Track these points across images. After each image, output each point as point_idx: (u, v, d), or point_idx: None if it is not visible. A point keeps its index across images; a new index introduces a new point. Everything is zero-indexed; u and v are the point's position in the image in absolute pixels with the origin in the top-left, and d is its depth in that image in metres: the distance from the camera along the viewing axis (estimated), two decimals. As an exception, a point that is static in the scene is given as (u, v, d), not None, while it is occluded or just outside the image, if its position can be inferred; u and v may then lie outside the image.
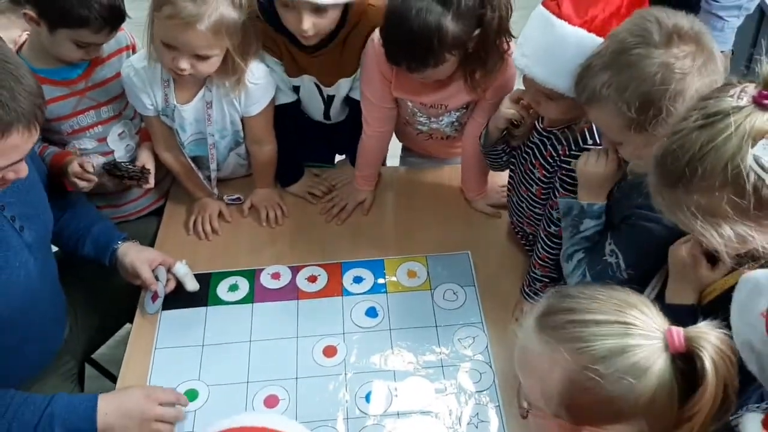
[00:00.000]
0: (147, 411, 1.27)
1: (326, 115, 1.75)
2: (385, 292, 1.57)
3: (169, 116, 1.58)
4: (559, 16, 1.18)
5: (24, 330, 1.39)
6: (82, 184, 1.52)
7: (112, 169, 1.59)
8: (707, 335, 0.77)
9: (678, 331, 0.78)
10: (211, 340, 1.49)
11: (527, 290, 1.48)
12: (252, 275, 1.61)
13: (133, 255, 1.50)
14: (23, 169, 1.16)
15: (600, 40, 1.14)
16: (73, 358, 1.59)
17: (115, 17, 1.43)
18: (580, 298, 0.83)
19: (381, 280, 1.59)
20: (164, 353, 1.47)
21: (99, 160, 1.62)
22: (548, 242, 1.41)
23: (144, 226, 1.76)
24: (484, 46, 1.37)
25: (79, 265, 1.57)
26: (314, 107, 1.73)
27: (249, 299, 1.56)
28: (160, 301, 1.51)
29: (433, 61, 1.35)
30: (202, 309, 1.54)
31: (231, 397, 1.38)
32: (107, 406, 1.27)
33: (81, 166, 1.51)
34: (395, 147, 1.83)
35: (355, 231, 1.70)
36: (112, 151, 1.65)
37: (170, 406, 1.31)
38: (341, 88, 1.65)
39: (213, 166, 1.69)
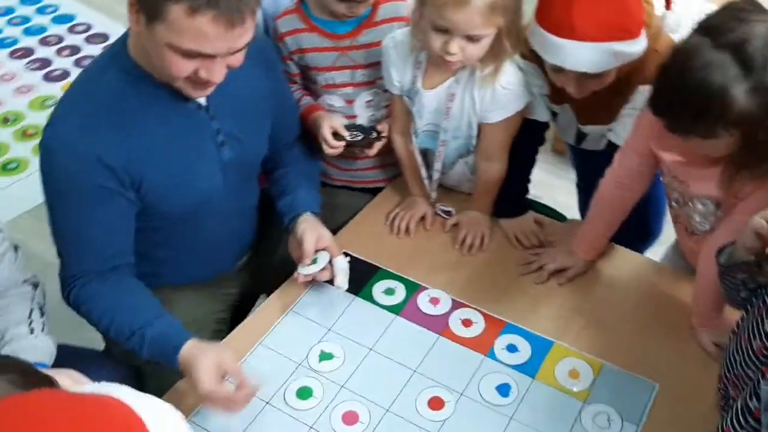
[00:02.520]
0: (209, 389, 1.19)
1: (578, 141, 1.56)
2: (533, 376, 1.31)
3: (411, 98, 1.52)
4: None
5: (196, 237, 1.45)
6: (327, 150, 1.55)
7: (351, 130, 1.57)
8: None
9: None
10: (339, 329, 1.41)
11: None
12: (413, 289, 1.48)
13: (308, 226, 1.46)
14: (216, 72, 1.16)
15: None
16: (232, 295, 1.63)
17: None
18: None
19: (536, 362, 1.34)
20: (293, 320, 1.43)
21: (342, 121, 1.62)
22: (740, 419, 1.03)
23: (354, 199, 1.73)
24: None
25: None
26: (567, 134, 1.54)
27: (397, 310, 1.44)
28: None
29: (702, 130, 1.08)
30: (350, 296, 1.46)
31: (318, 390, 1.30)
32: (187, 352, 1.23)
33: (334, 133, 1.53)
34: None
35: (539, 296, 1.46)
36: (356, 116, 1.64)
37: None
38: (597, 131, 1.43)
39: (437, 165, 1.58)
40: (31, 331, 1.25)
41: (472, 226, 1.58)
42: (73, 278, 1.31)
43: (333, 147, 1.54)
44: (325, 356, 1.36)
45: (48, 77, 3.34)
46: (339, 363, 1.35)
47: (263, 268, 1.66)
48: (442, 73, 1.47)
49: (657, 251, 1.73)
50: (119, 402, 0.60)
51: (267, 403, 1.28)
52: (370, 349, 1.37)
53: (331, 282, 1.44)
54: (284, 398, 1.29)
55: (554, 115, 1.56)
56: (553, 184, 2.65)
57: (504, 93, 1.44)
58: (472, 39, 1.34)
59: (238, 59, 1.21)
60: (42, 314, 1.31)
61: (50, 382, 0.81)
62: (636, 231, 1.51)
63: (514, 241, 1.57)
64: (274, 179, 1.57)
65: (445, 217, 1.64)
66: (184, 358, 1.22)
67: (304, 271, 1.43)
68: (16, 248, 1.33)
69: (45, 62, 3.43)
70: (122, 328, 1.28)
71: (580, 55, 1.26)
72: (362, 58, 1.58)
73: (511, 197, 1.60)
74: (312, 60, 1.59)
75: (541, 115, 1.52)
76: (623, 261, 1.53)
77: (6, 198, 2.76)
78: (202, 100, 1.31)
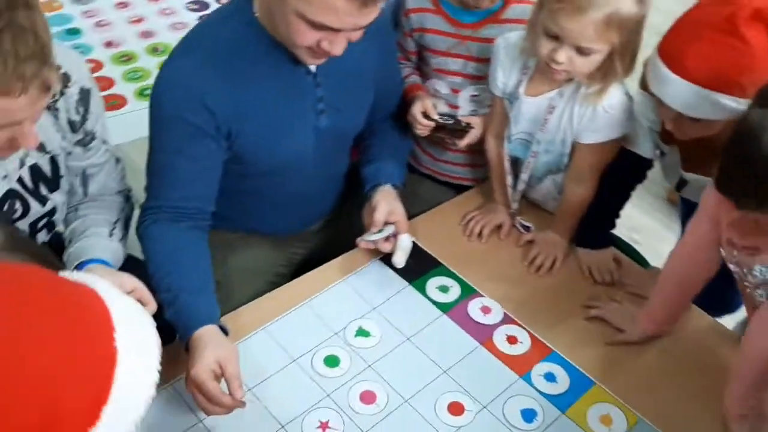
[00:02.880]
0: (197, 376, 1.16)
1: (679, 187, 1.49)
2: (563, 411, 1.26)
3: (511, 103, 1.48)
4: None
5: (278, 194, 1.49)
6: (416, 128, 1.55)
7: (445, 118, 1.56)
8: None
9: None
10: (383, 310, 1.40)
11: None
12: (468, 293, 1.45)
13: (384, 197, 1.46)
14: (338, 45, 1.18)
15: None
16: (299, 255, 1.66)
17: None
18: None
19: (571, 398, 1.28)
20: (343, 288, 1.44)
21: (442, 108, 1.61)
22: None
23: (436, 192, 1.73)
24: None
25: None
26: (670, 177, 1.48)
27: (445, 308, 1.42)
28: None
29: None
30: (404, 283, 1.46)
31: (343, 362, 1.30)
32: (203, 334, 1.22)
33: (424, 112, 1.53)
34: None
35: (593, 332, 1.39)
36: (458, 107, 1.63)
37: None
38: (699, 180, 1.36)
39: (524, 176, 1.54)
40: (110, 235, 1.31)
41: (546, 247, 1.53)
42: (150, 210, 1.35)
43: (421, 125, 1.53)
44: (362, 332, 1.36)
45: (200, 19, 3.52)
46: (373, 342, 1.35)
47: (336, 235, 1.67)
48: (547, 83, 1.43)
49: (736, 316, 1.61)
50: (94, 293, 0.62)
51: (294, 360, 1.30)
52: (408, 339, 1.36)
53: (390, 257, 1.44)
54: (311, 361, 1.30)
55: (663, 154, 1.48)
56: (658, 232, 2.53)
57: (604, 116, 1.38)
58: (581, 51, 1.30)
59: (359, 35, 1.23)
60: (125, 226, 1.38)
61: (41, 257, 0.78)
62: (711, 299, 1.40)
63: (586, 273, 1.50)
64: (363, 147, 1.59)
65: (523, 231, 1.59)
66: (195, 338, 1.21)
67: (367, 236, 1.44)
68: (117, 160, 1.41)
69: (203, 5, 3.62)
70: (165, 278, 1.28)
71: (679, 93, 1.19)
72: (478, 52, 1.56)
73: (595, 227, 1.53)
74: (430, 41, 1.59)
75: (645, 150, 1.44)
76: (691, 319, 1.42)
77: (138, 118, 2.93)
78: (312, 66, 1.35)
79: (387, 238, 1.44)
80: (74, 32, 3.34)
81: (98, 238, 1.29)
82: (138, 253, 1.40)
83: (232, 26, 1.29)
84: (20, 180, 1.21)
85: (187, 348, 1.21)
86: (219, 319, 1.26)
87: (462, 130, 1.56)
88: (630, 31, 1.29)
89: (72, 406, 0.56)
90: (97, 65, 3.14)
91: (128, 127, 2.28)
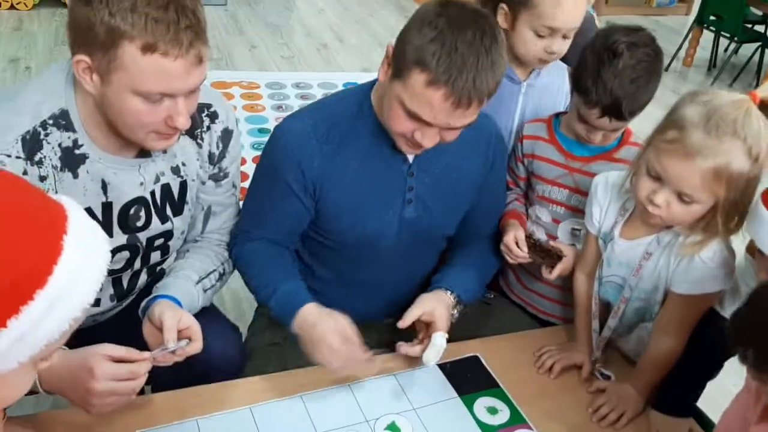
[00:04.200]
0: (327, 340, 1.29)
1: None
2: None
3: (605, 243, 1.44)
4: None
5: (356, 274, 1.55)
6: (507, 256, 1.56)
7: (534, 244, 1.55)
8: None
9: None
10: (423, 413, 1.35)
11: None
12: (517, 421, 1.36)
13: (432, 298, 1.44)
14: (429, 138, 1.26)
15: None
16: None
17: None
18: None
19: None
20: (389, 382, 1.42)
21: (539, 236, 1.60)
22: None
23: (520, 322, 1.67)
24: None
25: None
26: None
27: (488, 430, 1.33)
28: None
29: None
30: (452, 393, 1.40)
31: None
32: (308, 312, 1.34)
33: (516, 241, 1.54)
34: None
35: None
36: (556, 238, 1.61)
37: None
38: None
39: (612, 322, 1.46)
40: (198, 282, 1.42)
41: (616, 399, 1.40)
42: (242, 233, 1.50)
43: (513, 255, 1.53)
44: (393, 427, 1.32)
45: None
46: (409, 438, 1.30)
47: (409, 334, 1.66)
48: (645, 228, 1.38)
49: None
50: (60, 205, 0.70)
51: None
52: (438, 450, 1.29)
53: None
54: (332, 439, 1.28)
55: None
56: None
57: (701, 267, 1.30)
58: (682, 198, 1.24)
59: (452, 135, 1.31)
60: (218, 279, 1.48)
61: None
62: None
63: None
64: (447, 257, 1.61)
65: (601, 379, 1.48)
66: (301, 319, 1.34)
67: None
68: (239, 212, 1.54)
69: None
70: (263, 279, 1.45)
71: None
72: (584, 185, 1.55)
73: (676, 392, 1.38)
74: (538, 168, 1.61)
75: None
76: None
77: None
78: (410, 157, 1.43)
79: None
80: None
81: (183, 281, 1.39)
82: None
83: (348, 102, 1.43)
84: (152, 193, 1.35)
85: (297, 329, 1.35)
86: (311, 299, 1.38)
87: (555, 256, 1.53)
88: (738, 188, 1.22)
89: (9, 278, 0.64)
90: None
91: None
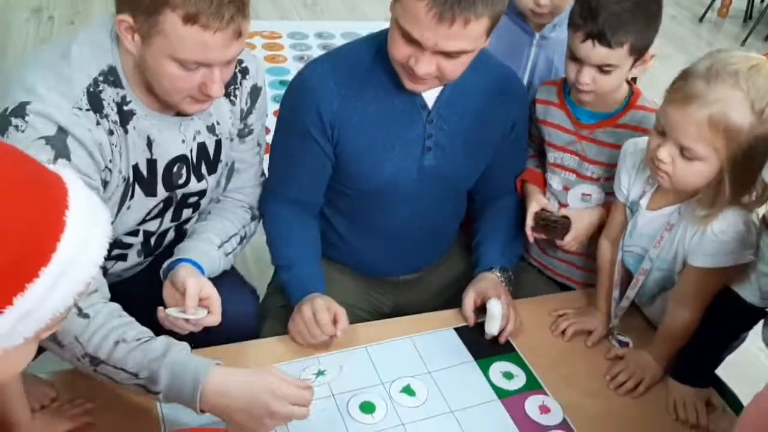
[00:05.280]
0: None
1: None
2: None
3: (632, 212, 1.41)
4: None
5: (377, 225, 1.54)
6: (527, 232, 1.55)
7: (542, 222, 1.54)
8: None
9: None
10: (438, 377, 1.36)
11: None
12: (533, 387, 1.36)
13: (476, 286, 1.48)
14: (423, 64, 1.23)
15: None
16: (385, 305, 1.66)
17: None
18: None
19: None
20: (407, 344, 1.42)
21: (551, 203, 1.59)
22: None
23: (538, 285, 1.67)
24: None
25: None
26: None
27: (502, 395, 1.34)
28: None
29: None
30: (469, 357, 1.41)
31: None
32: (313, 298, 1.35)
33: (535, 215, 1.53)
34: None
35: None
36: (567, 205, 1.58)
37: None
38: None
39: (630, 293, 1.44)
40: (220, 246, 1.42)
41: (635, 366, 1.39)
42: (270, 193, 1.52)
43: (530, 229, 1.54)
44: (408, 390, 1.33)
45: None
46: (416, 403, 1.31)
47: (426, 293, 1.66)
48: (669, 197, 1.35)
49: None
50: (61, 180, 0.69)
51: (332, 395, 1.30)
52: (452, 411, 1.30)
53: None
54: (348, 401, 1.29)
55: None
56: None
57: (713, 240, 1.27)
58: (684, 152, 1.22)
59: (450, 66, 1.28)
60: (239, 243, 1.48)
61: None
62: None
63: (671, 407, 1.34)
64: (474, 228, 1.62)
65: (618, 346, 1.47)
66: (305, 301, 1.38)
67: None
68: (263, 174, 1.55)
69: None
70: (281, 252, 1.49)
71: None
72: (592, 154, 1.52)
73: (695, 362, 1.37)
74: (549, 134, 1.58)
75: (749, 294, 1.26)
76: None
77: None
78: (429, 102, 1.40)
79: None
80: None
81: (205, 244, 1.40)
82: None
83: (368, 46, 1.41)
84: (191, 151, 1.36)
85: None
86: (323, 287, 1.43)
87: (561, 227, 1.51)
88: (740, 146, 1.17)
89: (13, 257, 0.64)
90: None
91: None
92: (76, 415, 1.18)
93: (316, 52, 4.00)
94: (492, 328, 1.41)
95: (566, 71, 1.47)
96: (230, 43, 1.14)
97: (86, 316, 1.11)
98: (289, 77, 3.79)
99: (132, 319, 1.17)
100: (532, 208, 1.54)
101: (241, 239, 1.48)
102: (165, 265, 1.34)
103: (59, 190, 0.69)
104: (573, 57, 1.42)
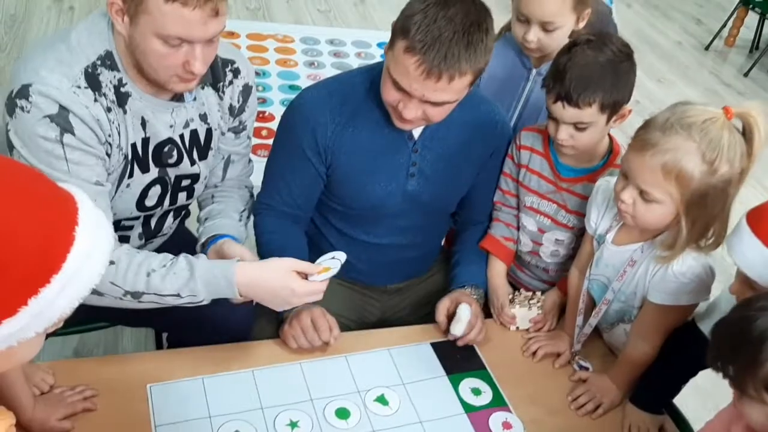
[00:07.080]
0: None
1: None
2: None
3: (598, 244, 1.51)
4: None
5: (364, 238, 1.65)
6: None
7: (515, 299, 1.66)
8: None
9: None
10: (411, 388, 1.45)
11: None
12: (498, 404, 1.46)
13: (451, 295, 1.59)
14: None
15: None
16: (373, 314, 1.77)
17: None
18: None
19: None
20: (383, 355, 1.52)
21: (525, 243, 1.70)
22: None
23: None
24: None
25: None
26: None
27: (468, 409, 1.43)
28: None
29: None
30: (441, 372, 1.50)
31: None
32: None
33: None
34: None
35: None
36: (541, 244, 1.68)
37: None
38: None
39: (593, 321, 1.54)
40: (239, 219, 1.60)
41: (595, 390, 1.49)
42: (263, 206, 1.63)
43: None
44: (381, 399, 1.43)
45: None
46: (388, 412, 1.40)
47: (408, 303, 1.78)
48: (634, 236, 1.44)
49: None
50: (70, 195, 0.81)
51: (311, 400, 1.40)
52: (420, 422, 1.39)
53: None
54: (325, 407, 1.39)
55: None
56: None
57: (672, 280, 1.36)
58: (643, 195, 1.31)
59: (436, 112, 1.40)
60: (247, 216, 1.65)
61: None
62: None
63: (626, 430, 1.44)
64: (452, 252, 1.74)
65: (578, 370, 1.56)
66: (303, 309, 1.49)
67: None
68: (250, 160, 1.68)
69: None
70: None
71: (749, 253, 1.16)
72: (570, 204, 1.61)
73: (652, 390, 1.46)
74: (530, 181, 1.65)
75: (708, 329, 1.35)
76: None
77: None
78: (415, 133, 1.53)
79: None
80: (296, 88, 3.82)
81: (230, 220, 1.57)
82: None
83: (362, 78, 1.53)
84: (181, 137, 1.47)
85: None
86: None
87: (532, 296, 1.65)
88: (693, 192, 1.27)
89: (30, 266, 0.74)
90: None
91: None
92: (76, 401, 1.28)
93: (327, 59, 4.11)
94: (456, 329, 1.51)
95: (548, 127, 1.55)
96: (209, 20, 1.23)
97: (111, 263, 1.25)
98: (299, 82, 3.97)
99: (145, 251, 1.35)
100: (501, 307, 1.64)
101: (248, 213, 1.64)
102: (203, 239, 1.51)
103: (70, 206, 0.80)
104: (550, 115, 1.50)
